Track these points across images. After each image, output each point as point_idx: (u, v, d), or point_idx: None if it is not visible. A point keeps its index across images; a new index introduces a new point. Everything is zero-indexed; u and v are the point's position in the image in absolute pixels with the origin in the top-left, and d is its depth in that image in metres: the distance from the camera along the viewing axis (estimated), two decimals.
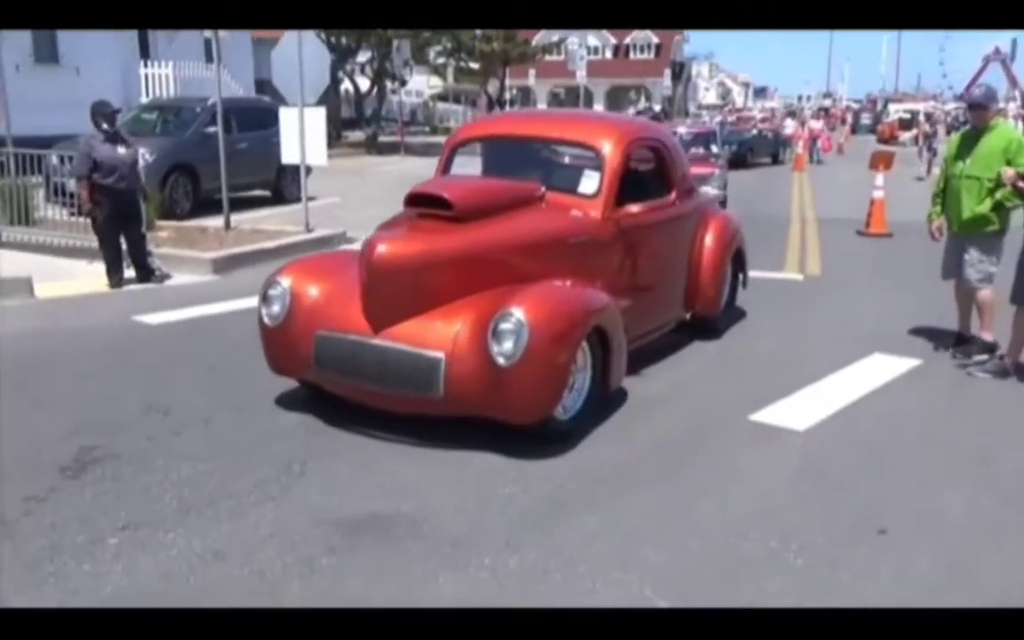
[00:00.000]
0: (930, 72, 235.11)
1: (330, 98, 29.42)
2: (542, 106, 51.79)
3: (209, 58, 19.23)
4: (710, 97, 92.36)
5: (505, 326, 4.62)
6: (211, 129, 12.92)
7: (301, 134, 11.55)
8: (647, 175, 6.91)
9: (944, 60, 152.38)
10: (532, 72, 48.98)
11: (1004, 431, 5.43)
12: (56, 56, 19.51)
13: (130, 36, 21.30)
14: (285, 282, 5.32)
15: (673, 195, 6.79)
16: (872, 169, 14.30)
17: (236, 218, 12.21)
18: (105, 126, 8.92)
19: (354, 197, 16.66)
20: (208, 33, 16.05)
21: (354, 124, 37.34)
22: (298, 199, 12.56)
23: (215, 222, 12.09)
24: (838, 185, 21.81)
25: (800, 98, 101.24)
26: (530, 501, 4.33)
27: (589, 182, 6.09)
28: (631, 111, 45.61)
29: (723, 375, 6.46)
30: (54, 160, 11.45)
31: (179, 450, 4.82)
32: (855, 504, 4.39)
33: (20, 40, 15.59)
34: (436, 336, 4.77)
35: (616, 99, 62.01)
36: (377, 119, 35.92)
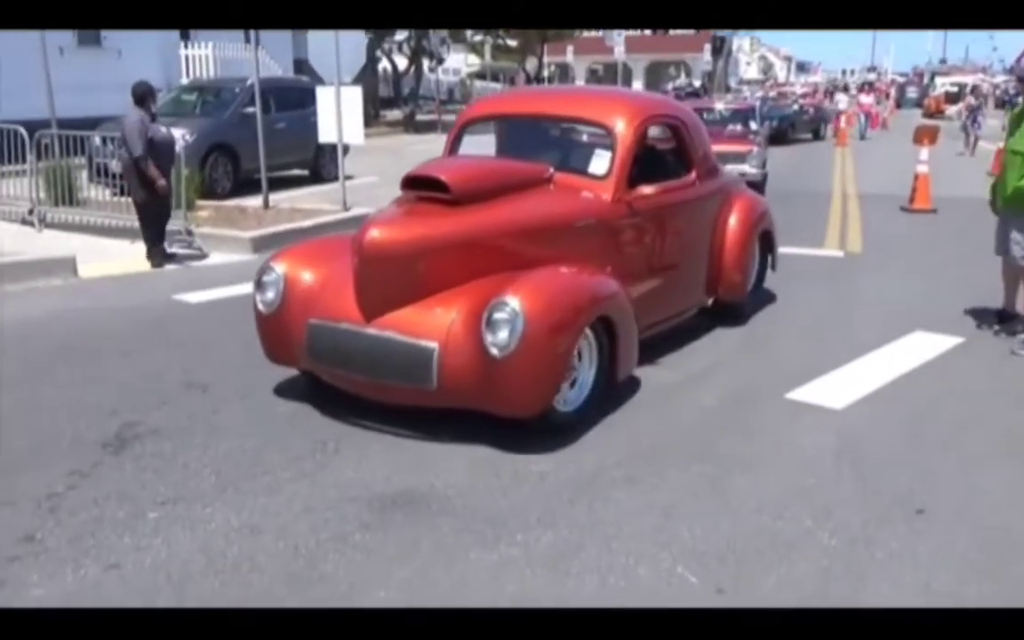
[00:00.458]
0: (979, 43, 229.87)
1: (367, 77, 29.57)
2: (580, 83, 51.43)
3: (248, 39, 19.36)
4: (751, 72, 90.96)
5: (500, 315, 4.42)
6: (250, 109, 13.01)
7: (338, 113, 11.60)
8: (664, 154, 6.68)
9: (995, 31, 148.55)
10: (570, 49, 48.66)
11: None
12: (98, 39, 19.75)
13: None
14: (279, 268, 5.17)
15: (692, 175, 6.47)
16: (916, 144, 14.02)
17: (275, 197, 12.32)
18: (154, 108, 9.13)
19: (391, 176, 16.57)
20: None
21: (392, 103, 37.40)
22: (336, 178, 12.63)
23: (254, 202, 12.20)
24: (881, 161, 21.44)
25: (844, 73, 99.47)
26: (563, 479, 4.33)
27: (600, 162, 5.82)
28: (670, 87, 45.19)
29: (759, 354, 6.40)
30: (97, 141, 11.60)
31: (217, 427, 4.89)
32: (893, 483, 4.33)
33: None
34: (430, 325, 4.60)
35: (656, 75, 61.44)
36: (414, 97, 35.97)
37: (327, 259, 5.20)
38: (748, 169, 13.80)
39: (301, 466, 4.40)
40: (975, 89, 38.23)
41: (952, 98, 41.46)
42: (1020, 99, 7.43)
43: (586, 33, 49.05)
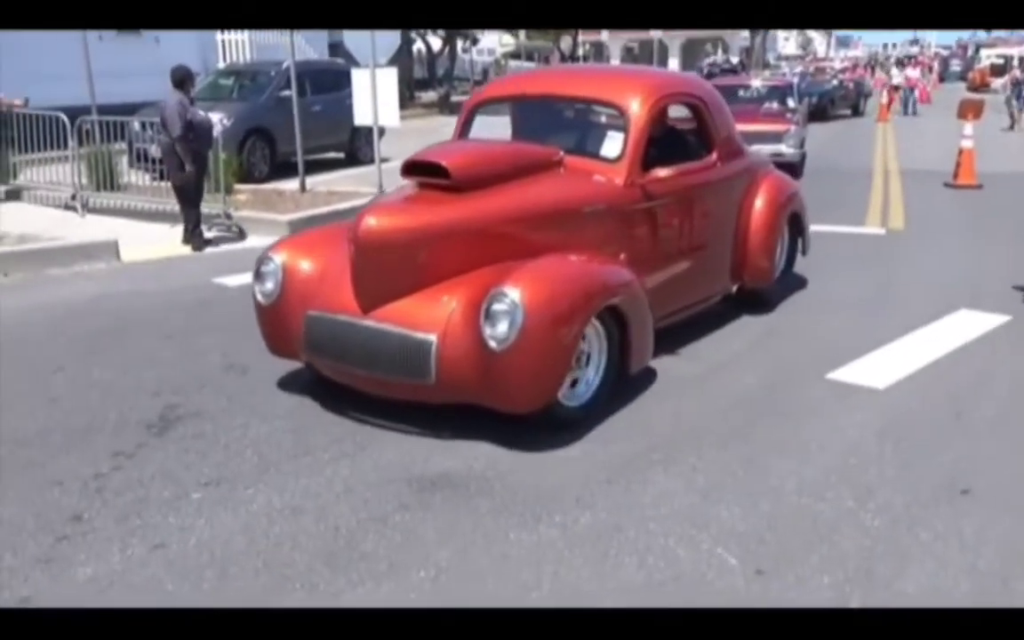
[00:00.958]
0: None
1: (402, 59, 29.58)
2: (615, 62, 51.09)
3: None
4: (790, 47, 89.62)
5: (499, 307, 4.22)
6: (286, 93, 13.08)
7: (374, 95, 11.61)
8: (684, 135, 6.45)
9: None
10: None
11: None
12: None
13: None
14: (278, 258, 5.01)
15: (714, 156, 6.17)
16: (960, 118, 13.74)
17: (311, 180, 12.38)
18: (193, 92, 9.27)
19: None
20: None
21: (426, 84, 37.40)
22: (372, 161, 12.65)
23: (291, 185, 12.28)
24: (924, 136, 21.04)
25: (885, 46, 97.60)
26: (601, 461, 4.32)
27: (612, 144, 5.58)
28: (705, 63, 44.68)
29: (798, 334, 6.32)
30: (136, 126, 11.74)
31: (257, 408, 4.94)
32: (937, 464, 4.27)
33: None
34: (429, 317, 4.41)
35: (692, 52, 60.69)
36: (449, 79, 35.92)
37: (327, 248, 5.02)
38: (784, 150, 13.32)
39: (341, 447, 4.44)
40: (1022, 61, 37.33)
41: (997, 71, 40.44)
42: None
43: None
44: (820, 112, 25.34)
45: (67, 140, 10.71)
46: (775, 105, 15.65)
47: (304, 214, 10.41)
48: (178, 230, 9.43)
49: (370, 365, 4.56)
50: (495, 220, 4.86)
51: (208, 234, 9.46)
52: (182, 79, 9.08)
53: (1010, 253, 8.18)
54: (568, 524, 3.73)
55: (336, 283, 4.70)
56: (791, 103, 15.79)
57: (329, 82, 15.21)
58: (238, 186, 11.78)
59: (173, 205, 9.64)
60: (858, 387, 5.25)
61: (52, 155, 11.25)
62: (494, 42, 50.43)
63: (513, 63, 49.83)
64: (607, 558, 3.49)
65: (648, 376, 5.29)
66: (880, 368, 5.52)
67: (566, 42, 45.92)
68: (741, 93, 16.35)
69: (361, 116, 12.09)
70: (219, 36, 21.96)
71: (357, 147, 15.49)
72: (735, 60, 51.10)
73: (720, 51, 58.40)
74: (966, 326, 6.34)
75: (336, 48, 24.51)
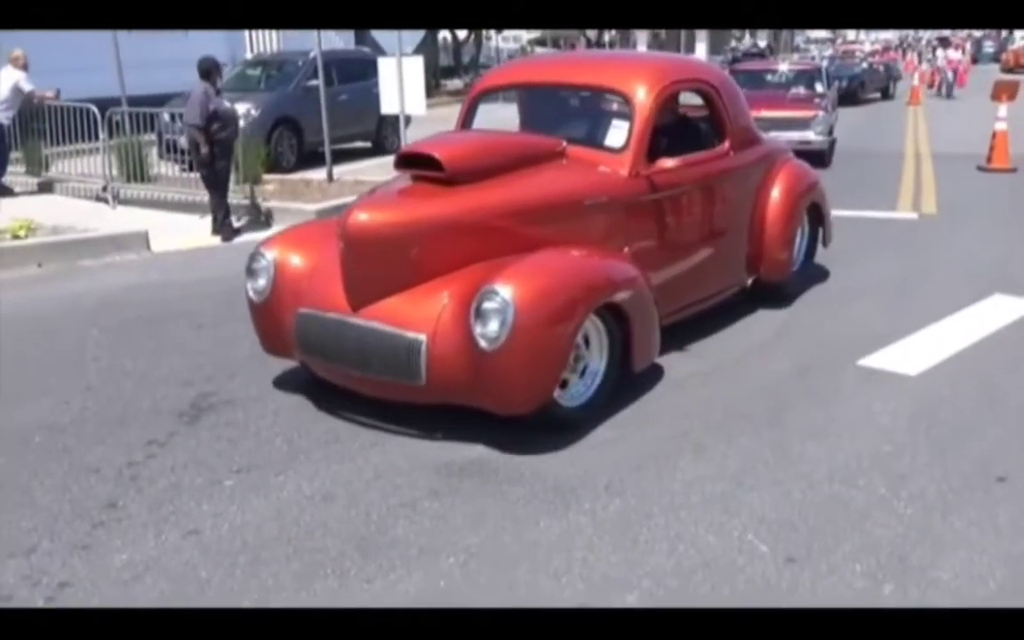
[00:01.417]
0: None
1: (428, 47, 29.57)
2: (642, 48, 50.74)
3: None
4: (819, 31, 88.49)
5: (489, 305, 4.05)
6: (313, 82, 13.12)
7: (400, 84, 11.60)
8: (695, 123, 6.27)
9: None
10: None
11: None
12: None
13: None
14: (270, 254, 4.89)
15: (726, 145, 5.93)
16: (994, 100, 13.50)
17: (338, 170, 12.42)
18: (219, 83, 9.39)
19: None
20: None
21: (452, 72, 37.38)
22: (398, 149, 12.68)
23: (318, 174, 12.32)
24: (957, 118, 20.72)
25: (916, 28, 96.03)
26: (630, 447, 4.32)
27: (617, 134, 5.34)
28: (731, 47, 44.26)
29: (829, 321, 6.25)
30: (166, 118, 11.84)
31: (288, 396, 4.98)
32: (971, 451, 4.22)
33: None
34: (419, 315, 4.24)
35: (720, 37, 60.12)
36: (475, 66, 35.90)
37: (321, 244, 4.83)
38: (812, 136, 12.93)
39: (370, 434, 4.46)
40: None
41: None
42: None
43: None
44: (850, 96, 25.02)
45: (98, 132, 10.81)
46: (802, 90, 15.13)
47: (331, 203, 10.43)
48: (207, 220, 9.51)
49: (360, 365, 4.41)
50: (491, 214, 4.67)
51: (237, 224, 9.53)
52: (208, 70, 9.20)
53: None
54: (598, 510, 3.73)
55: (328, 280, 4.53)
56: (819, 88, 15.23)
57: (356, 71, 15.25)
58: (266, 176, 11.84)
59: (202, 196, 9.72)
60: (890, 373, 5.19)
61: (83, 147, 11.36)
62: (520, 30, 50.29)
63: (539, 50, 49.73)
64: (637, 545, 3.48)
65: (677, 363, 5.27)
66: (913, 354, 5.46)
67: (592, 30, 45.66)
68: (768, 78, 16.08)
69: (388, 105, 12.09)
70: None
71: (384, 136, 15.51)
72: (763, 44, 50.63)
73: (748, 35, 57.81)
74: (1000, 311, 6.25)
75: (363, 37, 24.57)
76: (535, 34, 51.47)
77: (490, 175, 4.82)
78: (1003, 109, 13.05)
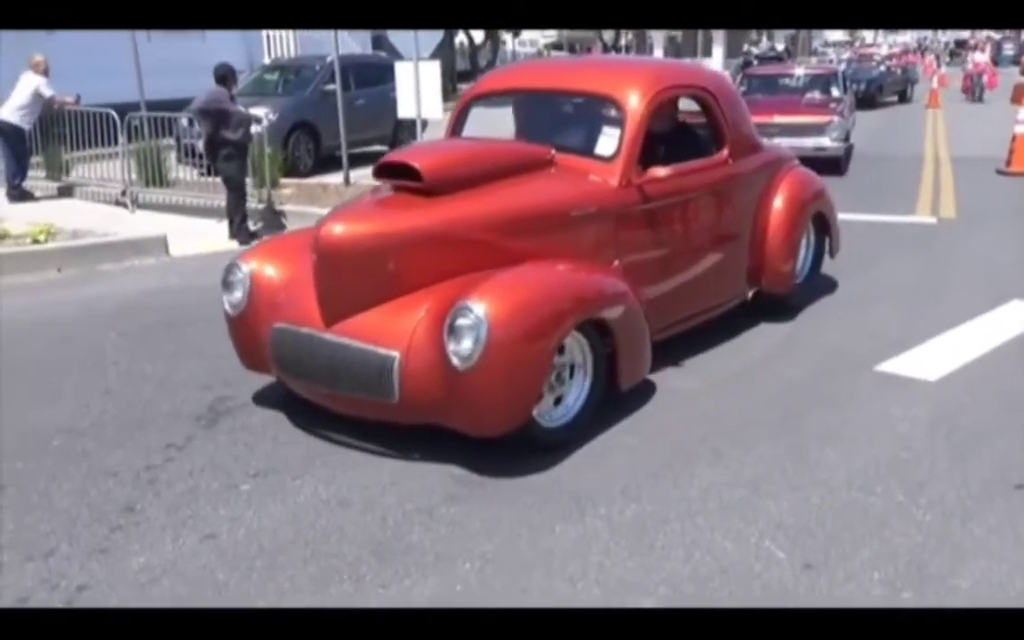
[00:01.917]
0: None
1: (444, 51, 29.61)
2: (658, 52, 50.66)
3: None
4: (837, 34, 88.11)
5: (462, 322, 3.89)
6: (330, 87, 13.19)
7: (416, 88, 11.63)
8: (692, 131, 6.08)
9: None
10: None
11: None
12: None
13: None
14: (245, 267, 4.77)
15: (724, 153, 5.71)
16: (1014, 103, 13.44)
17: (355, 174, 12.46)
18: (234, 89, 9.53)
19: None
20: None
21: (469, 76, 37.37)
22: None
23: (335, 178, 12.38)
24: (976, 122, 20.55)
25: (935, 31, 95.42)
26: (646, 453, 4.30)
27: (607, 141, 5.14)
28: (746, 51, 44.12)
29: (846, 325, 6.22)
30: (184, 122, 11.93)
31: (304, 401, 4.98)
32: (990, 458, 4.19)
33: None
34: (393, 331, 4.09)
35: (737, 40, 59.89)
36: (491, 70, 35.91)
37: (298, 256, 4.66)
38: (827, 142, 12.66)
39: (387, 439, 4.46)
40: None
41: None
42: None
43: None
44: (867, 100, 24.86)
45: (117, 136, 10.90)
46: (818, 94, 14.82)
47: None
48: (225, 224, 9.56)
49: (332, 382, 4.28)
50: (471, 226, 4.49)
51: (254, 228, 9.58)
52: (224, 76, 9.33)
53: None
54: (614, 516, 3.73)
55: (303, 294, 4.40)
56: (835, 92, 14.93)
57: (372, 76, 15.30)
58: (283, 180, 11.91)
59: (220, 200, 9.78)
60: (909, 379, 5.16)
61: (102, 151, 11.46)
62: (536, 34, 50.35)
63: (556, 54, 49.78)
64: (653, 550, 3.48)
65: (694, 369, 5.26)
66: (932, 360, 5.43)
67: (608, 33, 45.66)
68: (782, 82, 15.91)
69: (404, 109, 12.12)
70: (264, 32, 22.20)
71: (401, 140, 15.47)
72: (780, 47, 50.40)
73: (765, 38, 57.59)
74: (1019, 317, 6.20)
75: (379, 41, 24.64)
76: (551, 38, 51.49)
77: (472, 185, 4.66)
78: (1022, 112, 12.96)
